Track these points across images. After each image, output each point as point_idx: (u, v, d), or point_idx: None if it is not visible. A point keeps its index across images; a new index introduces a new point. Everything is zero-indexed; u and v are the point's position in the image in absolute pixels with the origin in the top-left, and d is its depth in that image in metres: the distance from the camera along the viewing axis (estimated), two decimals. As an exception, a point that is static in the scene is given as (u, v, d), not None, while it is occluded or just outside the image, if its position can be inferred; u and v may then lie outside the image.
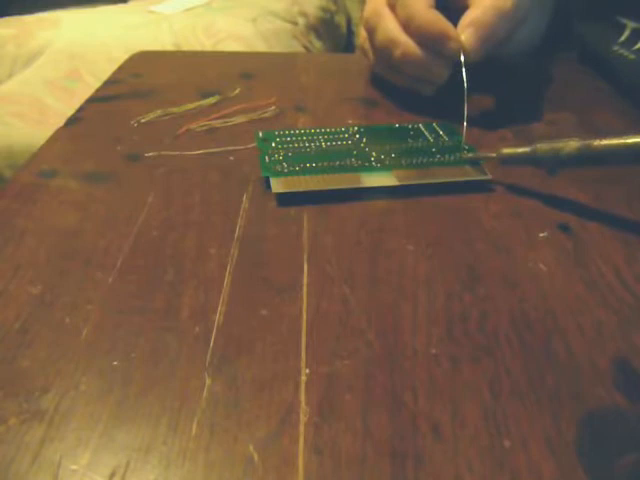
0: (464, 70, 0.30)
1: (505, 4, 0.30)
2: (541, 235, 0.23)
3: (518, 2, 0.31)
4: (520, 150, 0.26)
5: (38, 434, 0.15)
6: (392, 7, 0.32)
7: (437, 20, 0.30)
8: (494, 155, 0.26)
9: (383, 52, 0.33)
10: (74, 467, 0.14)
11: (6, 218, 0.24)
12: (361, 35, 0.36)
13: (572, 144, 0.24)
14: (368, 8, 0.34)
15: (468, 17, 0.30)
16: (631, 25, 0.37)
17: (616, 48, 0.37)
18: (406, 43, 0.31)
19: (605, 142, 0.23)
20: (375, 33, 0.33)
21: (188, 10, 0.91)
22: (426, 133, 0.30)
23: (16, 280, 0.21)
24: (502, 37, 0.31)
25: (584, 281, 0.21)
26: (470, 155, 0.27)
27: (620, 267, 0.21)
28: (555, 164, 0.25)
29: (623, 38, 0.37)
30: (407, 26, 0.31)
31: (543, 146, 0.25)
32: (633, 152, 0.23)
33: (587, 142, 0.24)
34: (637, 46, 0.36)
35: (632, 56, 0.35)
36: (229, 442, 0.15)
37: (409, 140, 0.29)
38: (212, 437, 0.15)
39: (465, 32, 0.30)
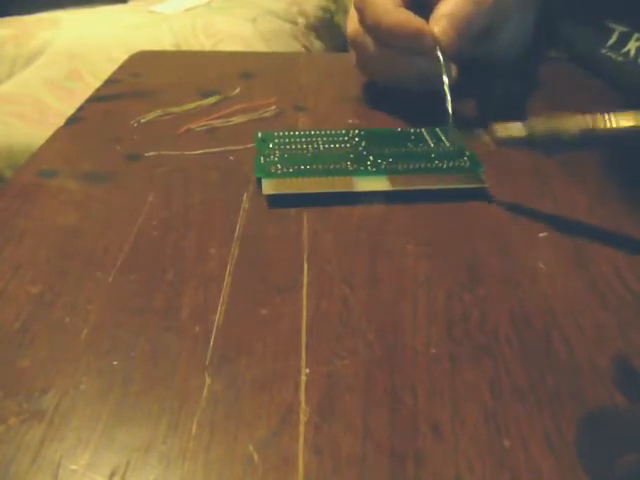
0: (443, 64, 0.29)
1: None
2: (541, 235, 0.23)
3: None
4: (516, 132, 0.23)
5: (38, 434, 0.15)
6: (360, 11, 0.31)
7: (406, 17, 0.29)
8: (488, 137, 0.24)
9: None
10: (74, 467, 0.14)
11: (6, 218, 0.24)
12: (350, 25, 0.35)
13: (572, 126, 0.22)
14: (350, 28, 0.33)
15: (440, 9, 0.29)
16: (619, 29, 0.37)
17: (604, 51, 0.37)
18: (397, 14, 0.29)
19: (609, 125, 0.21)
20: (361, 53, 0.33)
21: (188, 10, 0.91)
22: (428, 138, 0.29)
23: (16, 280, 0.21)
24: (479, 28, 0.30)
25: (584, 281, 0.21)
26: (456, 139, 0.26)
27: (620, 267, 0.21)
28: (555, 147, 0.23)
29: (611, 42, 0.37)
30: (377, 28, 0.30)
31: (540, 127, 0.23)
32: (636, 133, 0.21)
33: (590, 123, 0.22)
34: (625, 49, 0.36)
35: (620, 58, 0.35)
36: (229, 442, 0.15)
37: (409, 145, 0.29)
38: (212, 437, 0.15)
39: (438, 24, 0.29)
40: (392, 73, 0.33)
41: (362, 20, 0.32)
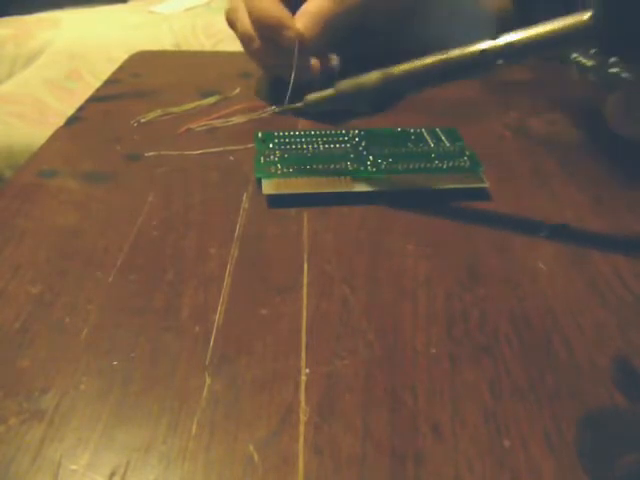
0: (295, 58, 0.29)
1: None
2: (541, 235, 0.23)
3: None
4: (325, 93, 0.25)
5: (38, 434, 0.15)
6: None
7: (273, 9, 0.30)
8: (301, 104, 0.26)
9: (245, 46, 0.33)
10: (74, 467, 0.14)
11: (6, 218, 0.24)
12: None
13: (373, 76, 0.24)
14: (227, 4, 0.34)
15: (306, 6, 0.30)
16: None
17: (574, 56, 0.37)
18: (266, 3, 0.30)
19: (404, 67, 0.23)
20: (235, 30, 0.33)
21: (188, 10, 0.91)
22: (428, 138, 0.29)
23: (16, 280, 0.21)
24: (343, 25, 0.31)
25: (584, 281, 0.21)
26: (277, 109, 0.27)
27: (620, 267, 0.21)
28: (361, 99, 0.25)
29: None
30: (250, 18, 0.31)
31: (345, 83, 0.25)
32: (431, 72, 0.23)
33: (387, 70, 0.24)
34: (593, 50, 0.36)
35: (590, 62, 0.36)
36: (229, 442, 0.15)
37: (409, 145, 0.29)
38: (212, 437, 0.15)
39: (301, 20, 0.30)
40: (260, 58, 0.34)
41: (235, 33, 0.33)
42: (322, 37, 0.30)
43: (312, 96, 0.26)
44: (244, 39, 0.33)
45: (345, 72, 0.26)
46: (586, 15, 0.19)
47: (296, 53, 0.30)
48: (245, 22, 0.32)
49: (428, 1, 0.38)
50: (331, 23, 0.31)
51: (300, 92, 0.28)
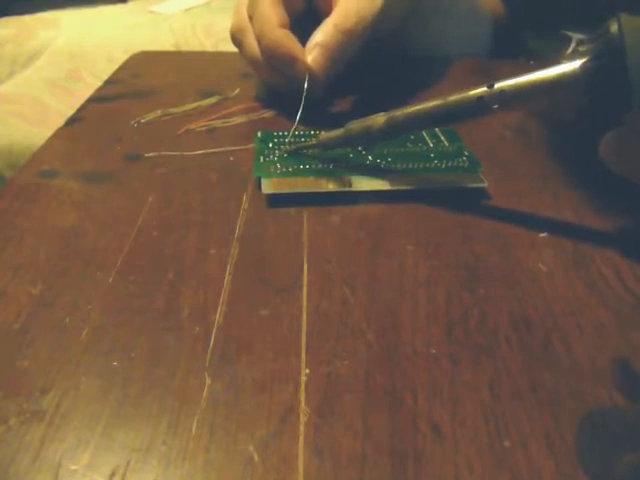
0: (305, 90, 0.30)
1: (347, 22, 0.31)
2: (541, 235, 0.23)
3: (360, 18, 0.31)
4: (336, 132, 0.27)
5: (38, 434, 0.15)
6: (250, 17, 0.32)
7: (285, 41, 0.30)
8: (315, 142, 0.27)
9: (251, 67, 0.34)
10: (74, 467, 0.14)
11: (6, 218, 0.24)
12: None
13: (379, 119, 0.25)
14: (233, 22, 0.34)
15: (314, 38, 0.31)
16: (576, 37, 0.38)
17: (564, 62, 0.38)
18: (277, 34, 0.31)
19: (406, 111, 0.25)
20: (241, 51, 0.34)
21: (188, 10, 0.91)
22: (427, 138, 0.29)
23: (16, 280, 0.21)
24: (350, 56, 0.32)
25: (584, 281, 0.21)
26: (292, 147, 0.28)
27: (620, 267, 0.21)
28: (369, 141, 0.26)
29: (570, 50, 0.37)
30: (259, 41, 0.31)
31: (355, 126, 0.26)
32: (431, 116, 0.24)
33: (391, 114, 0.25)
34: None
35: None
36: (229, 442, 0.15)
37: (408, 144, 0.29)
38: (212, 437, 0.15)
39: (311, 53, 0.30)
40: (266, 80, 0.34)
41: (240, 53, 0.33)
42: (332, 70, 0.31)
43: (324, 135, 0.27)
44: (251, 63, 0.33)
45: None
46: (578, 64, 0.20)
47: (306, 86, 0.30)
48: (253, 47, 0.32)
49: (426, 7, 0.38)
50: (341, 55, 0.31)
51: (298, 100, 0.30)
